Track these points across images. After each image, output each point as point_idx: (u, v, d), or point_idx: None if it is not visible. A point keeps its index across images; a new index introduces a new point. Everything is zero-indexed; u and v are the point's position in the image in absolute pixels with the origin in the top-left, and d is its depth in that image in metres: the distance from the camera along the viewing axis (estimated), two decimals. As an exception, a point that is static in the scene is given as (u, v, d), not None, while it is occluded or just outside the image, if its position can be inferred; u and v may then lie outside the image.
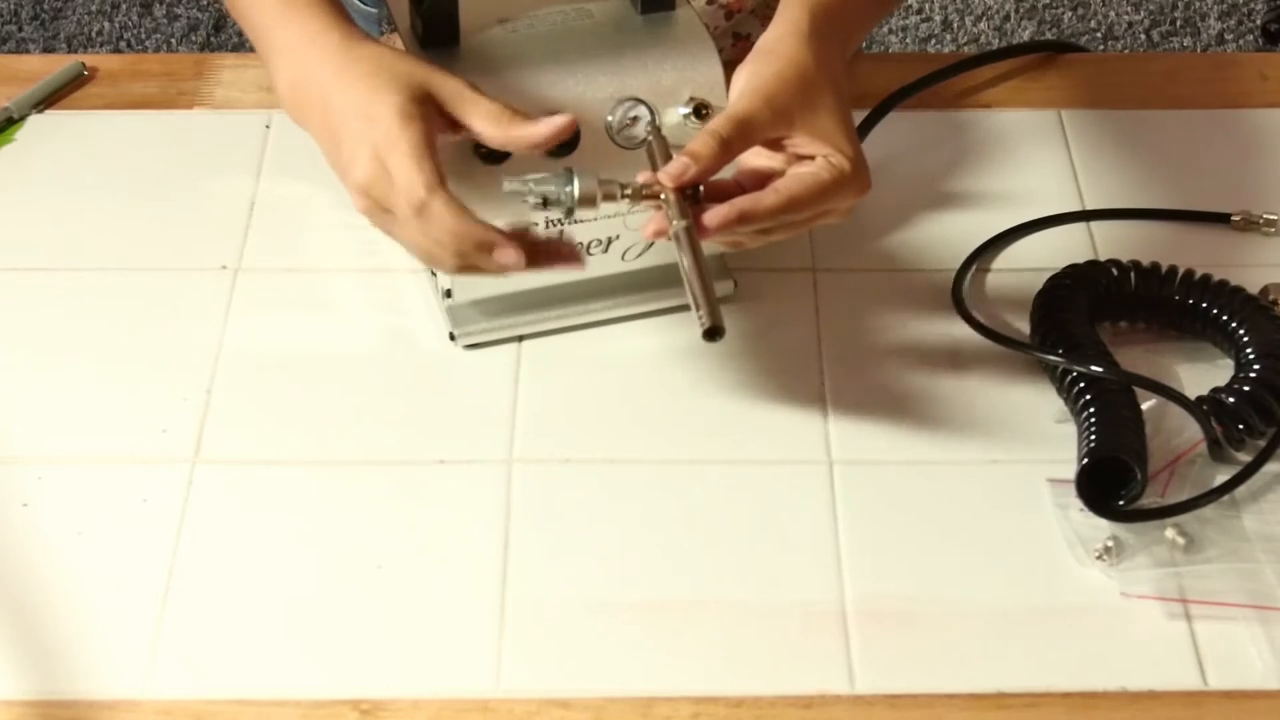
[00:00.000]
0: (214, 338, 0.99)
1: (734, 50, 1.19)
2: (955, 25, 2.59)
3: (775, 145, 0.89)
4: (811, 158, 0.88)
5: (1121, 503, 0.88)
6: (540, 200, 0.87)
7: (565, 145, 0.94)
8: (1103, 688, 0.82)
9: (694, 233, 0.85)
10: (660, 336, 1.00)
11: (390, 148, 0.85)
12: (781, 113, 0.88)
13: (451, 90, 0.88)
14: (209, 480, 0.92)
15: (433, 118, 0.87)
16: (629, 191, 0.87)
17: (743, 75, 0.90)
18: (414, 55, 0.90)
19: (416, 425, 0.95)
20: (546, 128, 0.87)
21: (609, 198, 0.87)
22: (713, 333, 0.83)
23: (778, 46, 0.90)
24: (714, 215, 0.85)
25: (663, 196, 0.86)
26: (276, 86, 0.93)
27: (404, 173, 0.85)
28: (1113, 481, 0.89)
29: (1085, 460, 0.88)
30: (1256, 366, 0.94)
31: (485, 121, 0.87)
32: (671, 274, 1.00)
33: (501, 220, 0.95)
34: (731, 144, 0.86)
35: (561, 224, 0.95)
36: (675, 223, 0.86)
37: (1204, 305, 0.97)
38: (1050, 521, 0.89)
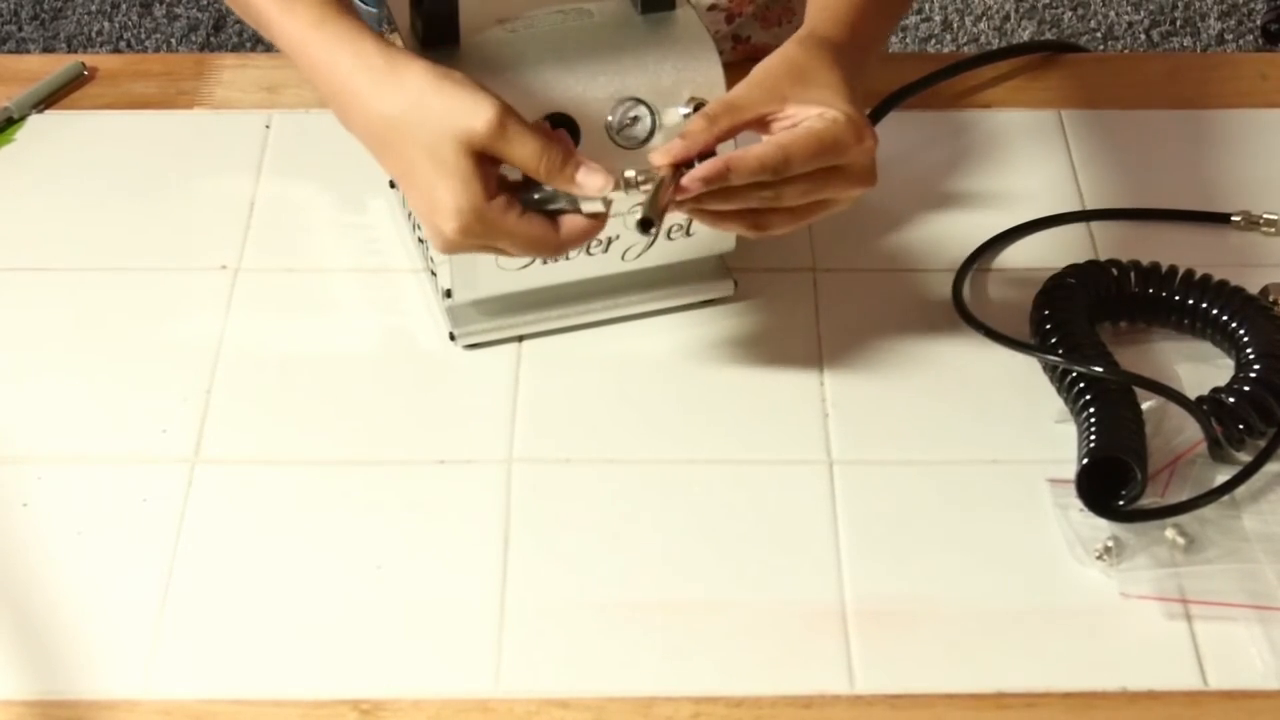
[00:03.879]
0: (214, 338, 0.99)
1: (734, 53, 1.19)
2: (955, 25, 2.59)
3: (769, 127, 0.88)
4: (814, 115, 0.86)
5: (1121, 503, 0.88)
6: (549, 196, 0.87)
7: (565, 145, 0.94)
8: (1103, 688, 0.82)
9: (668, 190, 0.84)
10: (660, 336, 1.00)
11: (443, 186, 0.85)
12: (772, 90, 0.87)
13: (493, 132, 0.84)
14: (209, 480, 0.92)
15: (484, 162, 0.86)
16: (631, 178, 0.86)
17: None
18: (446, 85, 0.87)
19: (416, 425, 0.95)
20: (591, 182, 0.86)
21: (614, 187, 0.86)
22: (645, 224, 0.82)
23: (772, 53, 0.90)
24: (700, 168, 0.84)
25: (661, 178, 0.85)
26: (320, 97, 0.91)
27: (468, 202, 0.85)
28: (1113, 481, 0.89)
29: (1085, 460, 0.88)
30: (1256, 366, 0.94)
31: (531, 161, 0.85)
32: (671, 274, 1.01)
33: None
34: (718, 119, 0.86)
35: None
36: (658, 173, 0.85)
37: (1204, 305, 0.97)
38: (1050, 521, 0.89)
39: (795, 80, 0.88)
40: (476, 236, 0.85)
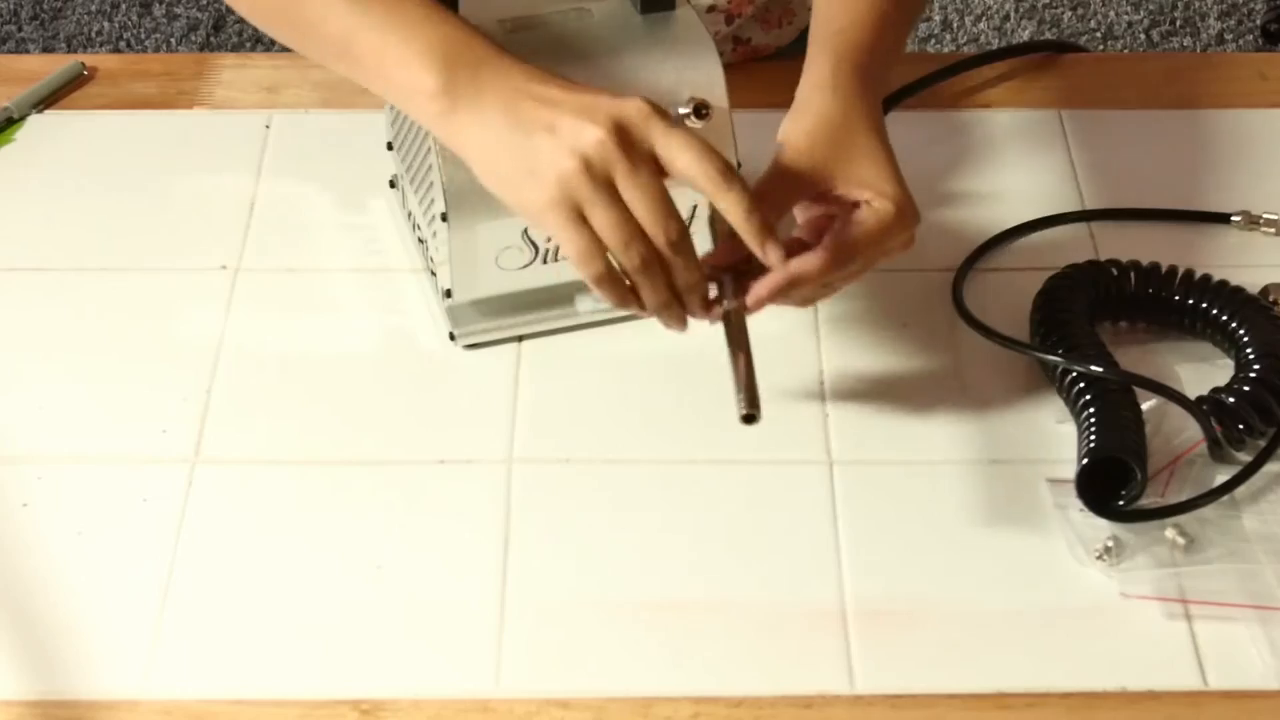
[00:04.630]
0: (214, 338, 0.99)
1: (734, 55, 1.19)
2: (955, 25, 2.59)
3: (821, 198, 0.88)
4: (856, 204, 0.87)
5: (1121, 503, 0.88)
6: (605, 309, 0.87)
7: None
8: (1103, 688, 0.82)
9: (741, 314, 0.86)
10: (661, 337, 1.00)
11: (629, 99, 0.82)
12: (817, 165, 0.87)
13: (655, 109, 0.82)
14: (209, 480, 0.92)
15: None
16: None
17: (780, 134, 0.89)
18: None
19: (416, 425, 0.95)
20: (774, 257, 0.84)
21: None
22: (749, 419, 0.84)
23: (806, 103, 0.90)
24: (763, 285, 0.86)
25: (721, 280, 0.86)
26: (424, 80, 0.84)
27: (651, 113, 0.81)
28: (1113, 481, 0.89)
29: (1085, 460, 0.88)
30: (1256, 366, 0.94)
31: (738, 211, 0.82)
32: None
33: (506, 227, 0.95)
34: (767, 214, 0.84)
35: None
36: (726, 303, 0.86)
37: (1204, 305, 0.97)
38: (1050, 521, 0.89)
39: (836, 155, 0.88)
40: (634, 137, 0.80)
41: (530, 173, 0.81)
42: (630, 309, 0.85)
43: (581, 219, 0.81)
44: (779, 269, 0.85)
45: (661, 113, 0.82)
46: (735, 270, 0.87)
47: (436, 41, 0.85)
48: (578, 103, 0.81)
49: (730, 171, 0.81)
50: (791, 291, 0.87)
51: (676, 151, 0.81)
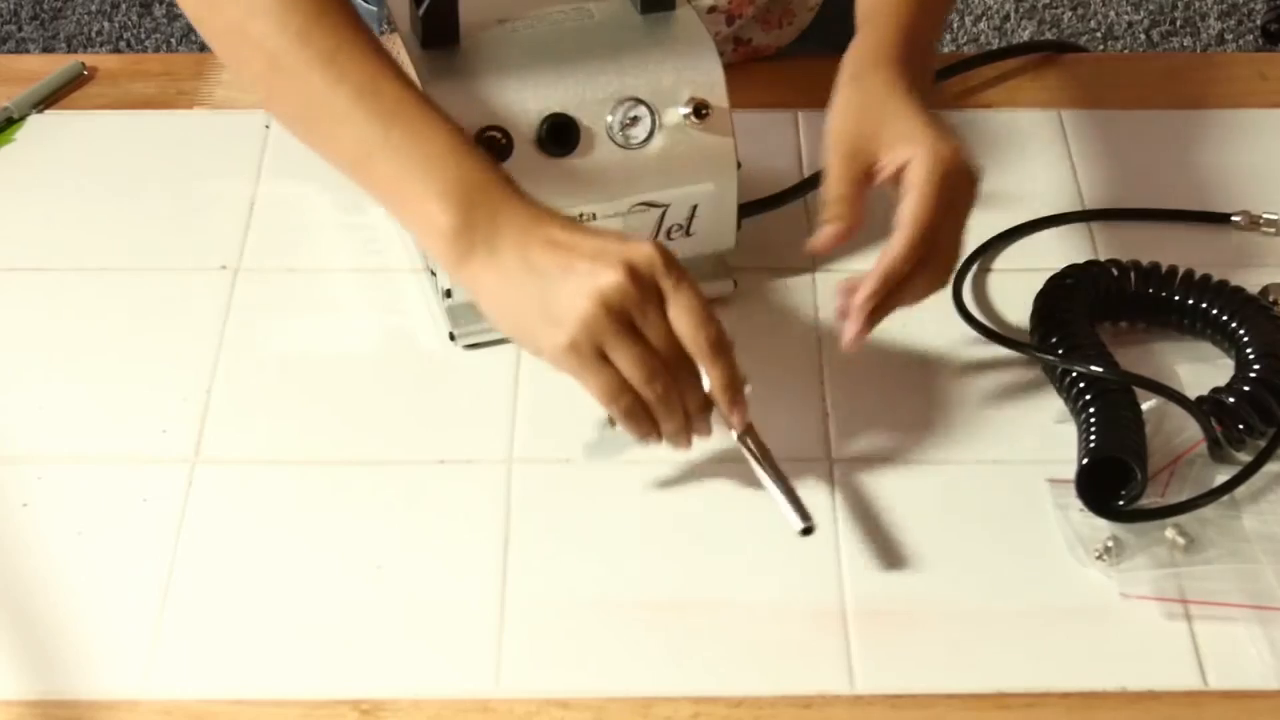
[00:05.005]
0: (214, 338, 0.99)
1: (735, 55, 1.19)
2: (955, 25, 2.58)
3: (871, 178, 0.91)
4: (907, 163, 0.89)
5: (1121, 503, 0.88)
6: (623, 444, 0.88)
7: (563, 145, 0.94)
8: (1103, 688, 0.82)
9: (754, 434, 0.87)
10: (660, 336, 1.00)
11: (640, 244, 0.83)
12: (856, 152, 0.91)
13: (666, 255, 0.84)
14: (209, 480, 0.92)
15: None
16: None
17: (828, 120, 0.93)
18: None
19: (416, 425, 0.95)
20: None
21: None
22: (807, 531, 0.85)
23: (840, 89, 0.93)
24: (863, 298, 0.88)
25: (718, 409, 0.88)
26: (436, 219, 0.84)
27: (659, 255, 0.83)
28: (1113, 481, 0.89)
29: (1085, 460, 0.88)
30: (1256, 366, 0.94)
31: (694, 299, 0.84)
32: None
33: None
34: (844, 210, 0.90)
35: None
36: (734, 433, 0.88)
37: (1204, 305, 0.97)
38: (1050, 521, 0.89)
39: (873, 124, 0.90)
40: (645, 278, 0.82)
41: (548, 316, 0.82)
42: (649, 440, 0.86)
43: (603, 358, 0.83)
44: (869, 274, 0.88)
45: (669, 259, 0.83)
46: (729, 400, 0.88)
47: (457, 181, 0.85)
48: (591, 247, 0.83)
49: (721, 344, 0.84)
50: (895, 294, 0.89)
51: (679, 311, 0.83)
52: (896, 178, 0.90)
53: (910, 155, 0.89)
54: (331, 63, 0.86)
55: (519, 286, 0.83)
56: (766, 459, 0.87)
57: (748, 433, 0.87)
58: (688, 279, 0.83)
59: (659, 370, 0.83)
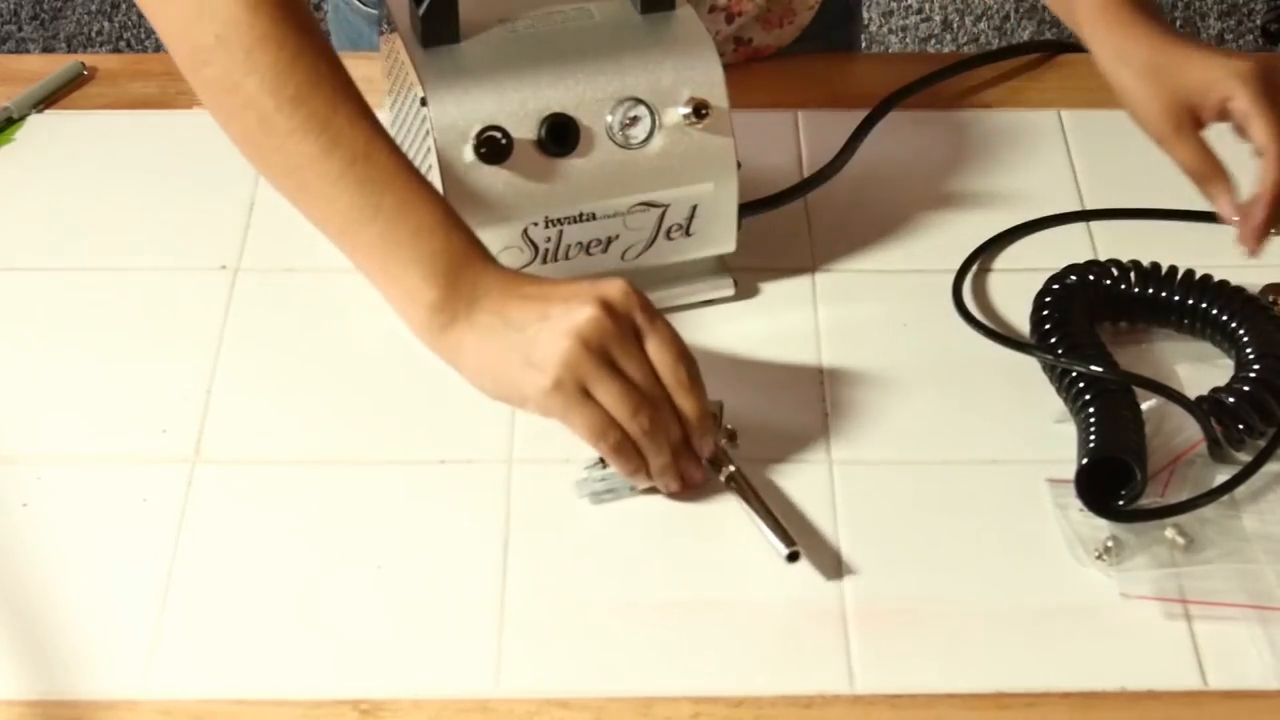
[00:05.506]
0: (214, 338, 0.99)
1: (735, 55, 1.19)
2: (955, 25, 2.58)
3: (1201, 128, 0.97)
4: (1226, 99, 0.95)
5: (1121, 503, 0.88)
6: (606, 489, 0.90)
7: (563, 145, 0.94)
8: (1103, 688, 0.82)
9: (743, 475, 0.89)
10: (660, 336, 1.00)
11: (611, 281, 0.86)
12: (1170, 110, 0.96)
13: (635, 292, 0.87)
14: (209, 480, 0.92)
15: None
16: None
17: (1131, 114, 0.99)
18: None
19: (416, 425, 0.95)
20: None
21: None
22: (794, 556, 0.86)
23: (1116, 58, 0.99)
24: (1257, 220, 0.95)
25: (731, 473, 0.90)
26: (412, 287, 0.87)
27: (631, 291, 0.86)
28: (1113, 481, 0.89)
29: (1085, 460, 0.88)
30: (1256, 366, 0.94)
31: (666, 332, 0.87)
32: (671, 274, 1.01)
33: (506, 227, 0.95)
34: (1200, 146, 0.97)
35: (560, 226, 0.96)
36: (729, 468, 0.89)
37: (1204, 305, 0.97)
38: (1050, 521, 0.89)
39: (1171, 95, 0.96)
40: (620, 313, 0.84)
41: (529, 363, 0.84)
42: (638, 477, 0.88)
43: (587, 396, 0.84)
44: (1262, 197, 0.94)
45: (641, 294, 0.86)
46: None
47: (444, 253, 0.86)
48: (564, 291, 0.85)
49: (696, 379, 0.86)
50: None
51: (657, 344, 0.85)
52: (1223, 114, 0.96)
53: (1224, 92, 0.94)
54: (326, 128, 0.86)
55: (499, 342, 0.85)
56: (747, 487, 0.88)
57: (739, 476, 0.89)
58: (660, 315, 0.86)
59: (643, 404, 0.85)
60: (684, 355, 0.86)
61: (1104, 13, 1.00)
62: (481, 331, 0.86)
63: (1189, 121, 0.97)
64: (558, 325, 0.83)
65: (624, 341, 0.84)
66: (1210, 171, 0.97)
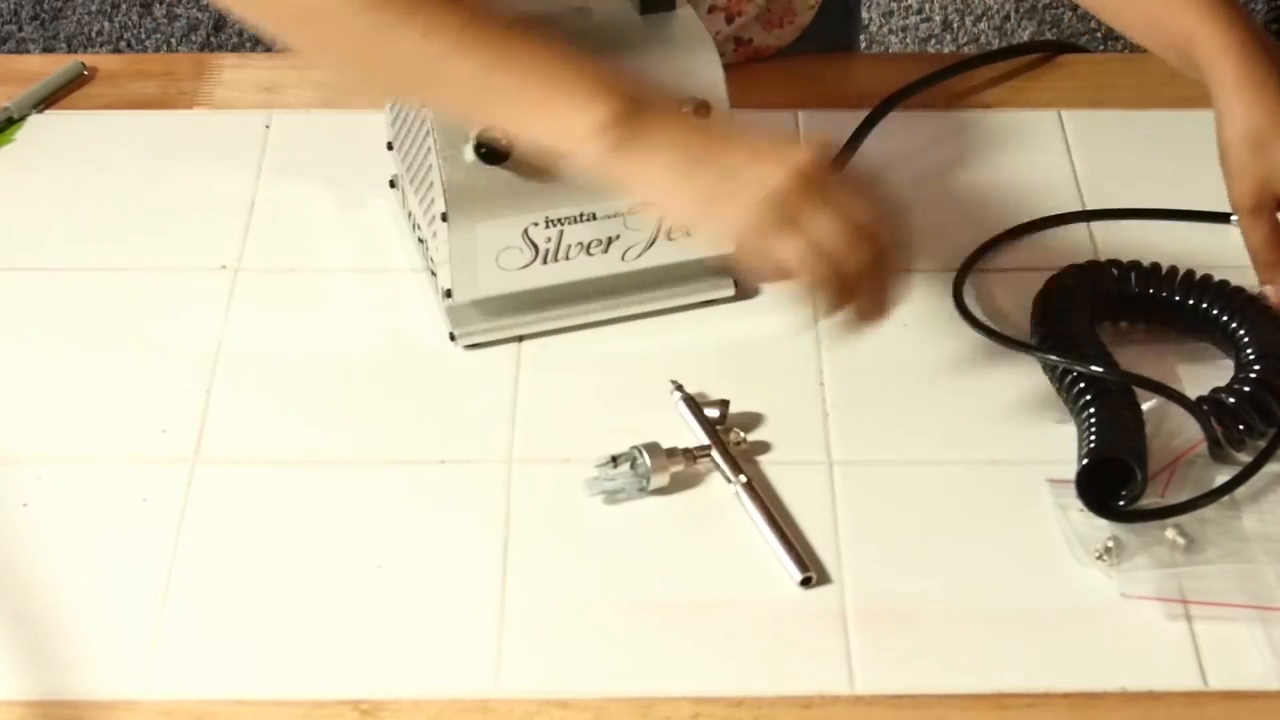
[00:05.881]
0: (214, 338, 0.99)
1: (735, 55, 1.19)
2: (955, 25, 2.58)
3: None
4: None
5: (1121, 503, 0.88)
6: (616, 488, 0.90)
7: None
8: (1103, 688, 0.82)
9: (753, 489, 0.89)
10: (660, 337, 1.00)
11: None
12: (1263, 185, 0.95)
13: None
14: (209, 480, 0.92)
15: None
16: (689, 451, 0.91)
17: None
18: None
19: (416, 425, 0.95)
20: None
21: (669, 468, 0.90)
22: (807, 581, 0.86)
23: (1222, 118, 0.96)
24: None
25: (713, 455, 0.90)
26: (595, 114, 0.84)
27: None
28: (1113, 481, 0.89)
29: (1085, 460, 0.88)
30: (1257, 367, 0.94)
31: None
32: (671, 274, 1.01)
33: (506, 227, 0.95)
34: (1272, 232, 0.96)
35: (561, 226, 0.96)
36: (741, 478, 0.90)
37: (1204, 305, 0.97)
38: (1050, 521, 0.89)
39: (1260, 176, 0.95)
40: (817, 173, 0.84)
41: (731, 195, 0.84)
42: (839, 308, 0.87)
43: (793, 228, 0.83)
44: None
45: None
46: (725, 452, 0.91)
47: (598, 75, 0.85)
48: (766, 137, 0.86)
49: (892, 216, 0.86)
50: None
51: (861, 187, 0.86)
52: None
53: None
54: (417, 10, 0.85)
55: (698, 168, 0.84)
56: (761, 503, 0.89)
57: (750, 489, 0.89)
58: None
59: (861, 235, 0.84)
60: (881, 196, 0.86)
61: (1228, 59, 0.96)
62: (674, 153, 0.84)
63: (1271, 203, 0.96)
64: (773, 164, 0.83)
65: (828, 185, 0.84)
66: (1274, 262, 0.96)
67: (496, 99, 0.87)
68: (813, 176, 0.83)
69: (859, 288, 0.86)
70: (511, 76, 0.85)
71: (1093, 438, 0.89)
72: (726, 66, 0.96)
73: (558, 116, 0.85)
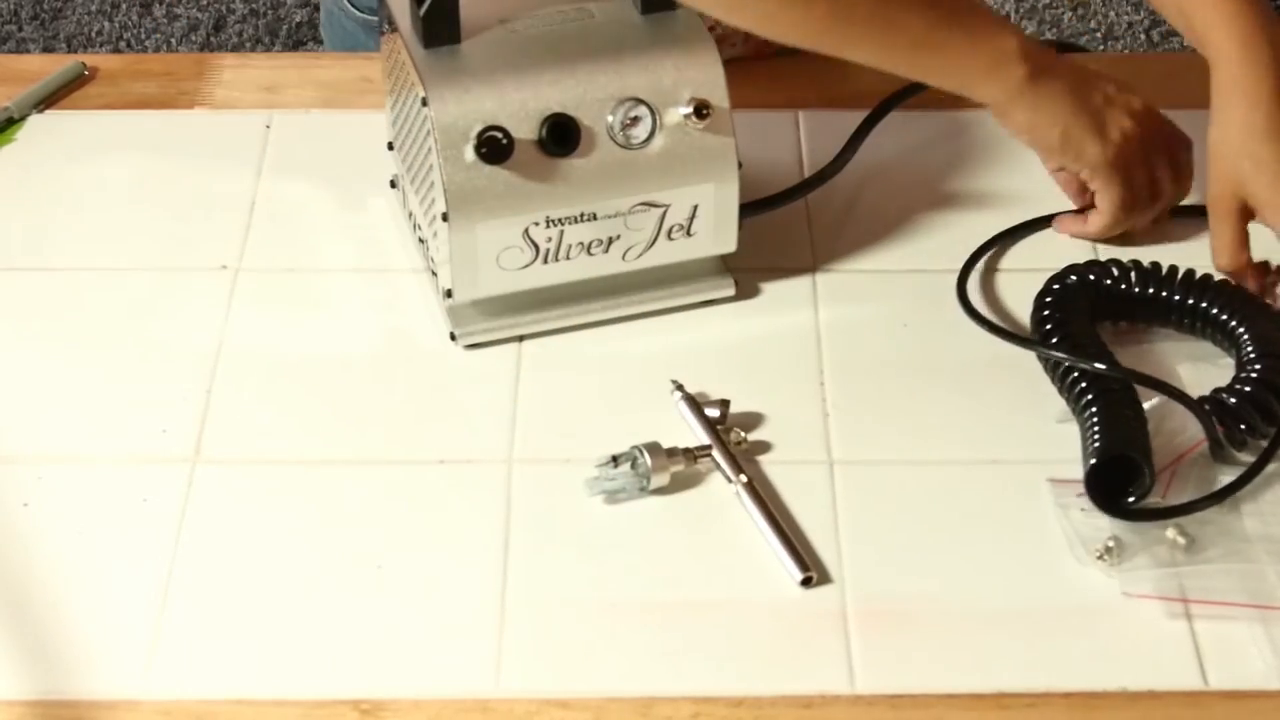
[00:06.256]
0: (214, 338, 0.99)
1: (747, 47, 1.18)
2: (955, 25, 2.58)
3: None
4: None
5: (1131, 500, 0.88)
6: (617, 488, 0.90)
7: (564, 144, 0.94)
8: (1103, 688, 0.82)
9: (754, 488, 0.89)
10: (660, 336, 1.00)
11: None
12: (1238, 199, 1.00)
13: None
14: (209, 480, 0.92)
15: None
16: (689, 451, 0.91)
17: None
18: None
19: (416, 425, 0.95)
20: None
21: (669, 468, 0.91)
22: (808, 581, 0.86)
23: (1215, 124, 1.01)
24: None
25: (714, 455, 0.91)
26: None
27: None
28: (1118, 480, 0.88)
29: (1094, 460, 0.88)
30: (1258, 366, 0.94)
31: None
32: (671, 274, 1.01)
33: (507, 227, 0.95)
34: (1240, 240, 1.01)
35: (561, 225, 0.96)
36: (742, 477, 0.90)
37: (1204, 305, 0.97)
38: (1050, 521, 0.89)
39: (1238, 188, 0.99)
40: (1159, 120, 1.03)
41: (1098, 132, 0.99)
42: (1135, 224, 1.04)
43: (1133, 169, 1.01)
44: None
45: None
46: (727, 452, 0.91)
47: (1014, 32, 0.98)
48: (1115, 81, 1.01)
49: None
50: None
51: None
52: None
53: (1274, 224, 0.98)
54: None
55: (1076, 104, 0.99)
56: (762, 503, 0.89)
57: (750, 489, 0.89)
58: None
59: (1173, 182, 1.03)
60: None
61: (1228, 62, 0.99)
62: (1063, 87, 0.98)
63: (1239, 209, 0.99)
64: (1121, 107, 1.00)
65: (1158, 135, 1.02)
66: (1236, 270, 1.00)
67: (935, 43, 0.98)
68: (1158, 118, 1.02)
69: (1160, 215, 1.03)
70: (949, 29, 0.97)
71: (1097, 437, 0.89)
72: (734, 61, 0.96)
73: (986, 51, 0.97)
